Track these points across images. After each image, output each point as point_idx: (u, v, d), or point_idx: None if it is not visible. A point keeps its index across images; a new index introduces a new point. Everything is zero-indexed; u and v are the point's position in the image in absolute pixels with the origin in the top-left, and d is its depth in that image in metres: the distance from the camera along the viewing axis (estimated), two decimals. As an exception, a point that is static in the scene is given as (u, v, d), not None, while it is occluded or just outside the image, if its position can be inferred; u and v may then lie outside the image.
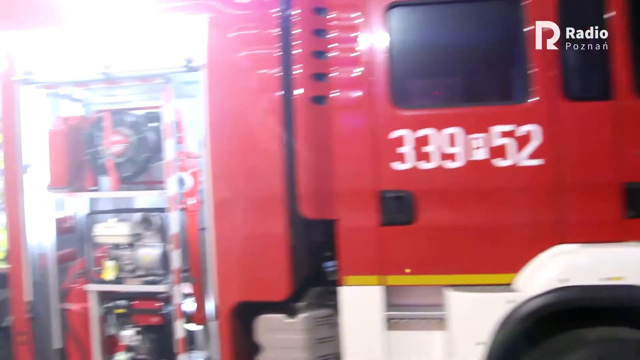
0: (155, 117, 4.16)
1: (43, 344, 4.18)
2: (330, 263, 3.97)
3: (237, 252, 3.73)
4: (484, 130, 3.46)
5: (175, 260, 3.95)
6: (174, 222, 3.95)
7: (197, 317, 4.23)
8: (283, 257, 3.66)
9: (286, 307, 3.79)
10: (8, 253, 4.10)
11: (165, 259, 4.04)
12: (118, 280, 4.03)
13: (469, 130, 3.47)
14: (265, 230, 3.69)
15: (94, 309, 4.09)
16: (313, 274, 4.13)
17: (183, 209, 4.09)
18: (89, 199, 4.61)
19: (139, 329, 4.09)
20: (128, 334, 4.06)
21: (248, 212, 3.71)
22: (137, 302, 4.09)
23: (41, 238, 4.20)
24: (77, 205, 4.62)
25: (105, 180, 4.27)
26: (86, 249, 4.19)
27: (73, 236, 4.54)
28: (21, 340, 4.06)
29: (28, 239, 4.07)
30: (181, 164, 4.10)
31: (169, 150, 3.94)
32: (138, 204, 4.65)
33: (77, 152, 4.15)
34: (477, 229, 3.52)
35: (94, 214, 4.27)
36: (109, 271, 4.02)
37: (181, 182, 4.06)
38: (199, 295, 4.26)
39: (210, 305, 4.16)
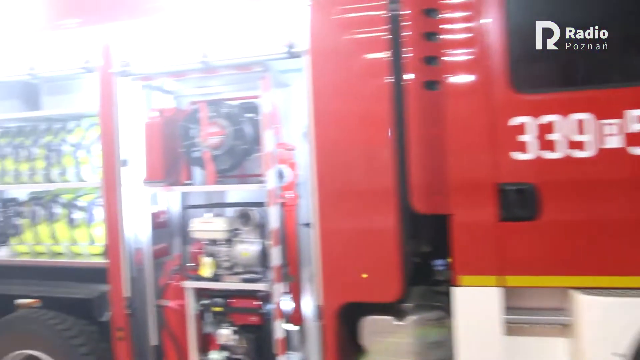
0: (251, 108, 4.01)
1: (140, 340, 4.13)
2: (439, 261, 3.69)
3: (344, 250, 3.50)
4: (618, 115, 3.09)
5: (275, 257, 3.78)
6: (273, 217, 3.77)
7: (293, 317, 4.04)
8: (394, 255, 3.41)
9: (393, 309, 3.54)
10: (106, 248, 4.05)
11: (263, 255, 3.87)
12: (215, 278, 3.90)
13: (601, 116, 3.11)
14: (375, 226, 3.45)
15: (191, 307, 3.97)
16: (416, 271, 3.85)
17: (282, 204, 3.91)
18: (181, 193, 4.54)
19: (235, 328, 3.94)
20: (224, 333, 3.92)
21: (356, 207, 3.47)
22: (234, 300, 3.95)
23: (137, 233, 4.12)
24: (169, 199, 4.53)
25: (199, 174, 4.16)
26: (181, 244, 4.09)
27: (166, 231, 4.46)
28: (120, 336, 4.01)
29: (126, 233, 4.00)
30: (279, 156, 3.91)
31: (268, 142, 3.77)
32: (229, 198, 4.54)
33: (172, 145, 4.05)
34: (611, 224, 3.15)
35: (190, 209, 4.15)
36: (206, 268, 3.90)
37: (280, 175, 3.87)
38: (296, 294, 4.08)
39: (309, 305, 4.00)
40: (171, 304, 4.04)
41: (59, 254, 4.46)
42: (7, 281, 4.49)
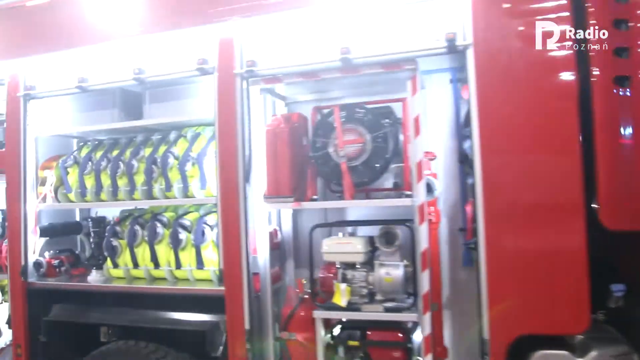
0: (386, 113, 3.56)
1: (257, 379, 3.59)
2: (617, 285, 3.15)
3: (519, 275, 2.98)
4: None
5: (424, 283, 3.27)
6: (422, 236, 3.27)
7: (437, 350, 3.50)
8: (583, 279, 2.88)
9: (566, 341, 3.01)
10: (222, 273, 3.55)
11: (409, 281, 3.36)
12: (353, 307, 3.38)
13: None
14: (557, 247, 2.94)
15: (321, 340, 3.45)
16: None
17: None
18: (292, 210, 4.07)
19: (373, 364, 3.41)
20: (361, 371, 3.40)
21: (534, 226, 2.97)
22: (372, 332, 3.42)
23: (255, 256, 3.63)
24: (281, 217, 4.07)
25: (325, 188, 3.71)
26: (294, 268, 3.61)
27: (275, 253, 3.97)
28: (239, 374, 3.48)
29: (246, 257, 3.50)
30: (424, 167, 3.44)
31: (416, 151, 3.29)
32: (350, 216, 4.07)
33: (297, 156, 3.59)
34: None
35: (319, 227, 3.66)
36: (341, 295, 3.38)
37: (429, 187, 3.39)
38: (439, 325, 3.55)
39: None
40: (298, 337, 3.52)
41: (161, 278, 3.97)
42: (99, 309, 4.01)
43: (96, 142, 4.39)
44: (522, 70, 3.02)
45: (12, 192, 4.18)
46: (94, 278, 4.15)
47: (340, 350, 3.47)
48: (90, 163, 4.18)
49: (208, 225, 3.83)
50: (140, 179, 4.02)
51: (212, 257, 3.79)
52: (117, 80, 3.91)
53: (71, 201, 4.27)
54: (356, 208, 4.07)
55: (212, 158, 3.79)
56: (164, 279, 3.98)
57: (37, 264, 4.18)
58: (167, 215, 4.08)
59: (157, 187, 3.95)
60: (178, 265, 3.88)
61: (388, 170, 3.52)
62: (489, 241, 3.02)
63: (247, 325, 3.48)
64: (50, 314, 4.15)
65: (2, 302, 4.75)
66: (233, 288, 3.51)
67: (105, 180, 4.12)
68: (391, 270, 3.38)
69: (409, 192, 3.35)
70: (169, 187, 3.90)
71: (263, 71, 3.51)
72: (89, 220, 4.37)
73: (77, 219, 4.79)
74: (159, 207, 4.21)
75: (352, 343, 3.43)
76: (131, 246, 4.00)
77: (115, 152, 4.18)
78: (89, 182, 4.17)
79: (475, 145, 3.06)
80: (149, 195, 3.98)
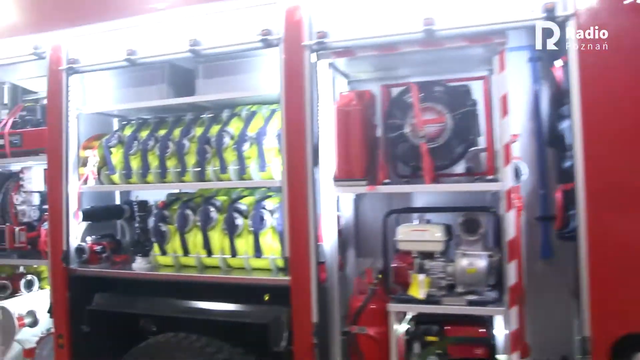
0: (466, 92, 3.29)
1: (323, 376, 3.34)
2: None
3: (625, 267, 2.73)
4: None
5: (512, 274, 3.02)
6: (510, 224, 3.02)
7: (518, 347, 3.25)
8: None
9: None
10: (287, 262, 3.29)
11: (493, 272, 3.11)
12: (432, 299, 3.13)
13: None
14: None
15: (394, 335, 3.20)
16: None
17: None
18: (354, 195, 3.82)
19: (452, 362, 3.17)
20: (438, 368, 3.16)
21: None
22: (451, 327, 3.18)
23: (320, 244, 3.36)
24: (344, 202, 3.81)
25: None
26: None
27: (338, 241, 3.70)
28: (305, 371, 3.23)
29: (315, 245, 3.24)
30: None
31: (504, 132, 3.02)
32: (415, 202, 3.82)
33: (369, 136, 3.32)
34: None
35: (394, 213, 3.40)
36: (419, 287, 3.13)
37: (517, 172, 3.12)
38: (522, 320, 3.30)
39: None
40: (370, 331, 3.27)
41: (211, 267, 3.71)
42: (144, 299, 3.76)
43: (140, 121, 4.10)
44: (633, 45, 2.75)
45: (53, 173, 3.91)
46: (140, 265, 3.87)
47: (416, 346, 3.22)
48: (136, 142, 3.90)
49: (267, 210, 3.57)
50: (191, 160, 3.74)
51: (271, 245, 3.53)
52: (170, 52, 3.60)
53: (114, 183, 4.00)
54: (422, 195, 3.82)
55: (272, 138, 3.52)
56: (215, 267, 3.71)
57: (80, 250, 3.91)
58: (221, 199, 3.81)
59: (211, 169, 3.67)
60: (233, 253, 3.61)
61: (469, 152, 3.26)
62: (591, 231, 2.77)
63: (314, 318, 3.23)
64: (92, 302, 3.90)
65: (36, 290, 4.48)
66: (300, 278, 3.25)
67: (153, 161, 3.84)
68: (474, 261, 3.13)
69: (490, 177, 3.09)
70: (224, 168, 3.62)
71: (335, 43, 3.23)
72: (134, 203, 4.10)
73: (117, 202, 4.52)
74: (208, 191, 3.94)
75: (430, 338, 3.18)
76: (182, 232, 3.73)
77: (162, 132, 3.90)
78: (135, 163, 3.89)
79: (576, 126, 2.79)
80: (201, 177, 3.70)
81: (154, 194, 4.34)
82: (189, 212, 3.75)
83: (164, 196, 4.14)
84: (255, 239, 3.54)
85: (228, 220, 3.60)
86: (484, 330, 3.16)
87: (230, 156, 3.63)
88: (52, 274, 3.93)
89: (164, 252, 3.82)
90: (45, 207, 4.24)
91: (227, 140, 3.63)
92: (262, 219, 3.53)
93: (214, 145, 3.65)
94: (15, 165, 4.45)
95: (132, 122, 4.17)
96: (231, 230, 3.60)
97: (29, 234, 4.20)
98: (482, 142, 3.28)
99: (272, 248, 3.53)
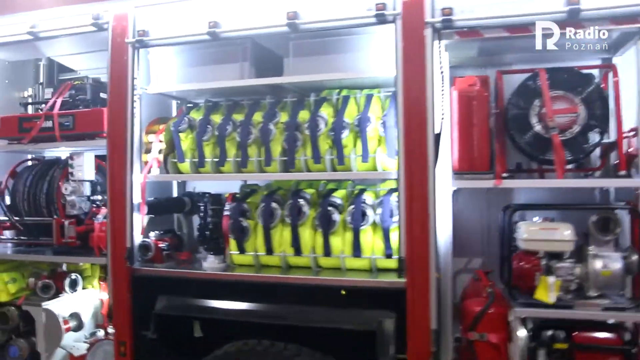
0: (593, 81, 3.05)
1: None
2: None
3: None
4: None
5: (652, 278, 2.82)
6: (650, 222, 2.81)
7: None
8: None
9: None
10: (402, 263, 2.98)
11: (627, 275, 2.90)
12: (563, 304, 2.89)
13: None
14: None
15: (519, 343, 2.94)
16: None
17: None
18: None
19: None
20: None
21: None
22: (583, 334, 2.95)
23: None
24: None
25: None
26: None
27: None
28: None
29: (435, 245, 2.95)
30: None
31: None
32: (516, 199, 3.57)
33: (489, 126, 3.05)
34: None
35: (516, 209, 3.13)
36: (548, 290, 2.89)
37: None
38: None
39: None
40: (491, 337, 3.00)
41: (298, 267, 3.36)
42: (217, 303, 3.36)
43: (209, 104, 3.68)
44: None
45: (116, 160, 3.45)
46: (212, 265, 3.48)
47: (541, 354, 2.97)
48: (209, 127, 3.48)
49: (368, 204, 3.24)
50: (277, 147, 3.37)
51: (373, 243, 3.21)
52: (261, 26, 3.21)
53: (180, 172, 3.58)
54: (524, 191, 3.57)
55: (376, 126, 3.20)
56: (300, 267, 3.36)
57: (145, 247, 3.48)
58: (309, 192, 3.45)
59: (302, 158, 3.31)
60: (327, 252, 3.27)
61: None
62: None
63: (433, 325, 2.94)
64: (156, 306, 3.48)
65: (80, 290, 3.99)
66: (418, 281, 2.95)
67: (231, 149, 3.44)
68: (610, 263, 2.90)
69: (622, 172, 2.88)
70: (317, 158, 3.27)
71: (463, 22, 2.92)
72: (207, 195, 3.69)
73: (174, 194, 4.10)
74: (289, 182, 3.58)
75: (559, 346, 2.94)
76: (267, 228, 3.36)
77: (237, 116, 3.50)
78: (208, 150, 3.49)
79: None
80: (290, 167, 3.34)
81: (210, 185, 3.97)
82: (275, 205, 3.37)
83: (222, 189, 3.77)
84: (355, 237, 3.21)
85: (323, 216, 3.26)
86: (617, 336, 2.94)
87: (324, 145, 3.28)
88: (113, 273, 3.48)
89: (242, 250, 3.44)
90: (95, 198, 3.79)
91: (322, 126, 3.27)
92: (364, 214, 3.21)
93: (307, 131, 3.28)
94: (57, 151, 3.95)
95: (200, 105, 3.74)
96: (326, 227, 3.25)
97: (78, 227, 3.71)
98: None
99: (374, 247, 3.21)
